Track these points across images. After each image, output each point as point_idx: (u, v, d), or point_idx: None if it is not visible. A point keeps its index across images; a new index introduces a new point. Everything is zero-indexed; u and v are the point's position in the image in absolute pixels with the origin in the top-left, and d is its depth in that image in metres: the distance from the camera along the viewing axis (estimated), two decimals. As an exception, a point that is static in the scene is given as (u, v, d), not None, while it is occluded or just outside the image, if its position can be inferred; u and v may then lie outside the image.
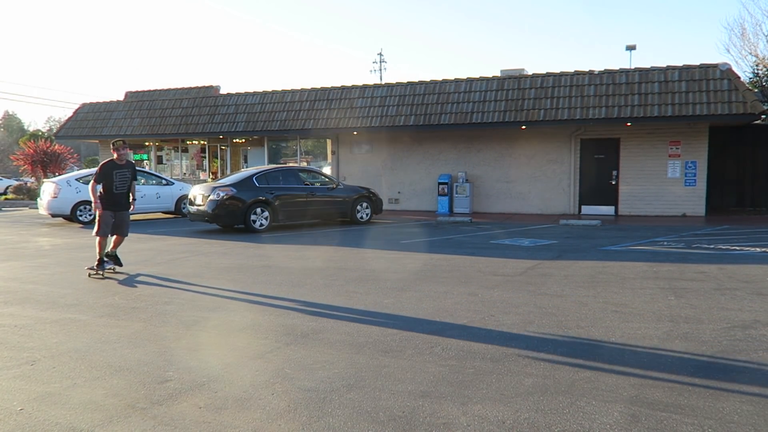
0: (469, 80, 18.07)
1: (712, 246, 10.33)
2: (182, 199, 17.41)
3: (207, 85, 22.62)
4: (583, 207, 17.72)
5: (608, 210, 17.27)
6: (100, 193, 8.23)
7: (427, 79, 18.87)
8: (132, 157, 9.36)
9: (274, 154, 22.37)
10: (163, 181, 17.78)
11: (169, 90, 23.46)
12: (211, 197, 13.17)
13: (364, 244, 11.53)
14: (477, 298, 6.46)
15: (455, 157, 19.18)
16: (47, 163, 27.26)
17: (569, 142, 17.72)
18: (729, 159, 17.88)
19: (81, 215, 15.67)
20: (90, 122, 24.34)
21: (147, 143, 24.66)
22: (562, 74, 17.08)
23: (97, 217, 8.27)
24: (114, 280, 7.84)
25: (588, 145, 17.58)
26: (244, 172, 14.67)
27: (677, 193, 16.58)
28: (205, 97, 22.19)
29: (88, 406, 3.65)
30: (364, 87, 19.63)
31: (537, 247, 10.44)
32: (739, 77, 15.37)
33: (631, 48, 23.23)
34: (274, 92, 21.00)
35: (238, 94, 21.68)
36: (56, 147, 28.14)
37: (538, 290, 6.80)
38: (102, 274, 8.10)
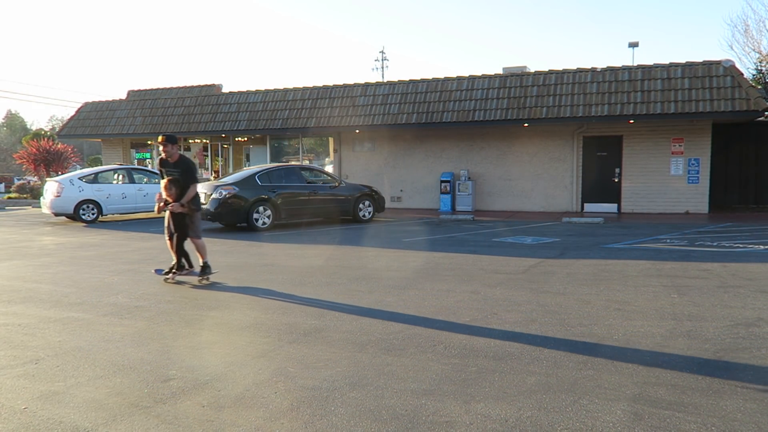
0: (472, 78, 18.05)
1: (715, 244, 10.30)
2: (185, 198, 17.41)
3: (209, 83, 22.62)
4: (585, 205, 17.69)
5: (611, 207, 17.24)
6: None
7: (429, 77, 18.86)
8: None
9: (276, 153, 22.38)
10: (166, 180, 17.78)
11: (171, 89, 23.48)
12: (213, 196, 13.18)
13: (366, 242, 11.53)
14: (479, 296, 6.45)
15: (457, 155, 19.17)
16: (50, 162, 27.34)
17: (572, 140, 17.69)
18: (732, 156, 17.82)
19: (84, 214, 15.70)
20: (93, 121, 24.40)
21: (149, 142, 24.69)
22: (564, 72, 17.05)
23: None
24: (117, 278, 7.85)
25: (591, 143, 17.55)
26: (247, 170, 14.68)
27: (680, 190, 16.55)
28: (207, 96, 22.20)
29: (92, 405, 3.66)
30: (366, 85, 19.62)
31: (539, 245, 10.43)
32: (742, 74, 15.33)
33: (633, 45, 23.17)
34: (276, 90, 21.00)
35: (240, 93, 21.69)
36: (59, 146, 28.22)
37: (541, 288, 6.79)
38: None
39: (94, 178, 16.35)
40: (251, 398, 3.72)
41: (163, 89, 23.66)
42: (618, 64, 16.95)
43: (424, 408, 3.52)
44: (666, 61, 16.26)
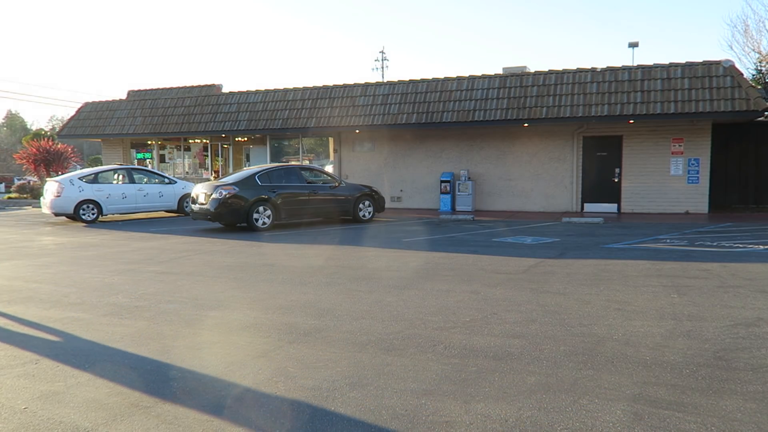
0: (472, 78, 18.05)
1: (715, 244, 10.30)
2: (185, 198, 17.45)
3: (209, 83, 22.61)
4: (585, 204, 17.69)
5: (611, 207, 17.24)
6: None
7: (429, 77, 18.86)
8: None
9: (276, 153, 22.38)
10: (166, 180, 17.81)
11: (171, 89, 23.48)
12: (213, 196, 13.18)
13: (366, 242, 11.53)
14: (479, 296, 6.46)
15: (457, 155, 19.17)
16: (50, 162, 27.31)
17: (572, 140, 17.69)
18: (732, 156, 17.82)
19: (84, 214, 15.71)
20: (93, 121, 24.40)
21: (149, 142, 24.70)
22: (564, 72, 17.05)
23: None
24: (118, 278, 7.85)
25: (590, 143, 17.55)
26: (247, 170, 14.67)
27: (680, 190, 16.55)
28: (207, 96, 22.20)
29: (92, 405, 3.66)
30: (366, 85, 19.62)
31: (539, 245, 10.43)
32: (742, 74, 15.32)
33: (633, 45, 23.16)
34: (276, 91, 21.00)
35: (240, 93, 21.69)
36: (59, 146, 28.19)
37: (541, 288, 6.79)
38: None
39: (94, 178, 16.35)
40: (251, 398, 3.72)
41: (163, 89, 23.66)
42: (618, 64, 16.97)
43: (424, 408, 3.52)
44: (666, 61, 16.28)
